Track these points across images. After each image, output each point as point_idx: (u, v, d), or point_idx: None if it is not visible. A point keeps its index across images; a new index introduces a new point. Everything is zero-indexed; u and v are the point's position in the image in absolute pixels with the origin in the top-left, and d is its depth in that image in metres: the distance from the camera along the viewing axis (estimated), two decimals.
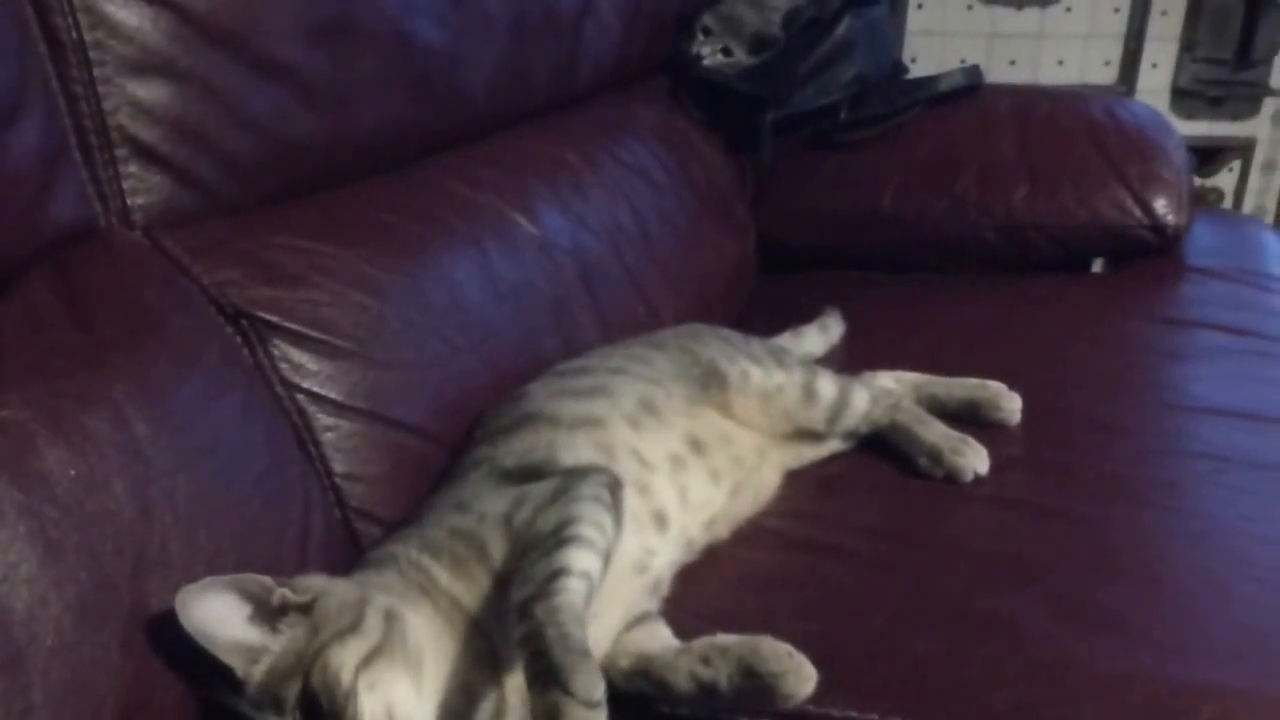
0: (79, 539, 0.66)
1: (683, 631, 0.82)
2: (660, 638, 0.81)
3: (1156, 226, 1.53)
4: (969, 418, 1.10)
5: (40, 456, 0.65)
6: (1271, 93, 2.74)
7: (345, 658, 0.66)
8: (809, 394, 1.03)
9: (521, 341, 1.09)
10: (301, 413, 0.86)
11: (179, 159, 0.86)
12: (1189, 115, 2.76)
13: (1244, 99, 2.76)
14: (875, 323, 1.42)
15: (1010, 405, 1.10)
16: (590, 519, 0.74)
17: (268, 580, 0.69)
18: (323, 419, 0.87)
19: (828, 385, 1.05)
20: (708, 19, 1.63)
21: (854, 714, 0.75)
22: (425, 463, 0.94)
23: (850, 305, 1.44)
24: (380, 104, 1.04)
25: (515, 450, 0.88)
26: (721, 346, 1.05)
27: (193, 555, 0.71)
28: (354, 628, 0.68)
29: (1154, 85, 2.74)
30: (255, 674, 0.67)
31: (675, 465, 0.93)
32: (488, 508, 0.79)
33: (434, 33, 1.10)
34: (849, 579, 0.91)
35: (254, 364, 0.85)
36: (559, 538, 0.72)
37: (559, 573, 0.68)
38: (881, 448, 1.08)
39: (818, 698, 0.74)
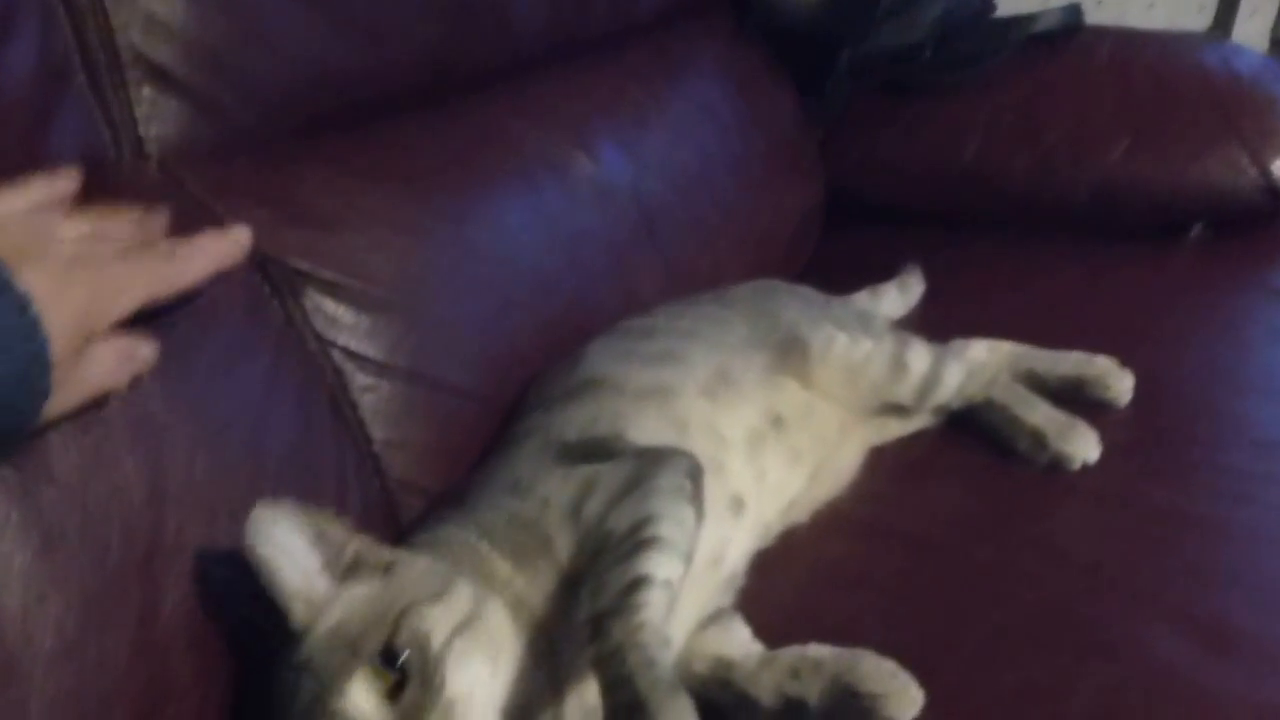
0: (81, 525, 0.57)
1: (762, 630, 0.73)
2: (739, 640, 0.71)
3: (1273, 189, 1.39)
4: (1071, 396, 0.99)
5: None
6: None
7: (436, 623, 0.59)
8: (898, 365, 0.92)
9: (578, 293, 0.99)
10: (337, 372, 0.76)
11: (198, 83, 0.76)
12: None
13: None
14: (953, 286, 1.30)
15: (1120, 385, 0.98)
16: (671, 516, 0.65)
17: (343, 530, 0.62)
18: (361, 379, 0.77)
19: (919, 356, 0.94)
20: None
21: None
22: (473, 428, 0.84)
23: (924, 266, 1.32)
24: (422, 29, 0.93)
25: (575, 421, 0.78)
26: (803, 308, 0.95)
27: (212, 541, 0.62)
28: (442, 596, 0.61)
29: (1250, 34, 2.55)
30: (320, 626, 0.59)
31: (753, 443, 0.83)
32: (552, 494, 0.70)
33: None
34: (939, 581, 0.81)
35: (284, 318, 0.75)
36: (637, 539, 0.63)
37: (639, 583, 0.59)
38: (972, 425, 0.97)
39: None
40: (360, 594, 0.60)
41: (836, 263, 1.45)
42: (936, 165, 1.51)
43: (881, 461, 0.94)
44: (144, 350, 0.59)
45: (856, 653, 0.66)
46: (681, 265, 1.14)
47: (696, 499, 0.69)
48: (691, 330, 0.90)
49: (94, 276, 0.55)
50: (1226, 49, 1.58)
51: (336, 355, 0.76)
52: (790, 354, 0.90)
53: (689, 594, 0.69)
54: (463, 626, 0.60)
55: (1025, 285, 1.32)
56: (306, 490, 0.69)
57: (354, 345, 0.77)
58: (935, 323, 1.18)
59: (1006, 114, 1.49)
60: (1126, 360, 1.02)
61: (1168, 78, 1.48)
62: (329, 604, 0.60)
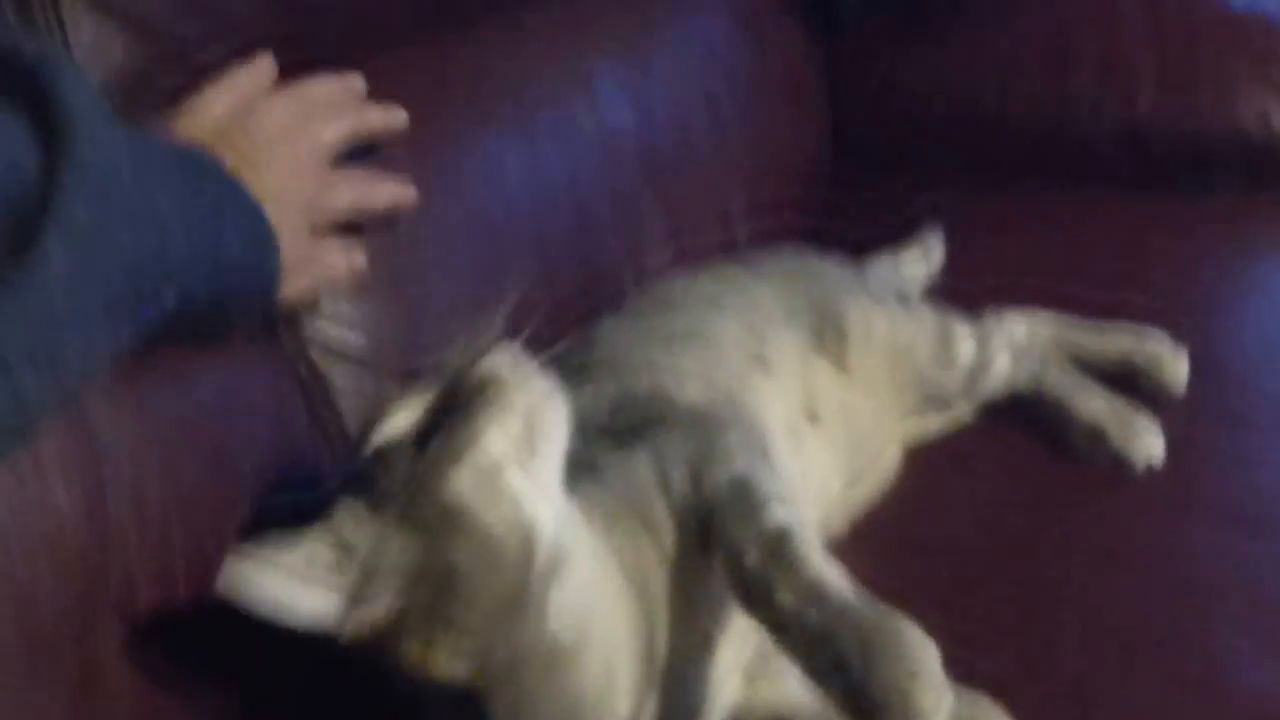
0: (6, 564, 0.46)
1: None
2: (793, 690, 0.62)
3: None
4: (1121, 377, 0.90)
5: None
6: None
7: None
8: (945, 351, 0.83)
9: (582, 251, 0.88)
10: (315, 370, 0.65)
11: (146, 9, 0.63)
12: None
13: None
14: (974, 244, 1.19)
15: (1176, 367, 0.89)
16: (759, 471, 0.59)
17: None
18: (343, 377, 0.66)
19: (965, 340, 0.84)
20: None
21: None
22: None
23: (941, 219, 1.22)
24: None
25: (600, 403, 0.68)
26: (837, 283, 0.84)
27: (165, 579, 0.51)
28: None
29: None
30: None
31: (791, 439, 0.73)
32: (629, 474, 0.61)
33: None
34: (1004, 598, 0.72)
35: None
36: (747, 503, 0.56)
37: (779, 539, 0.53)
38: (1016, 414, 0.88)
39: None
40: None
41: (847, 215, 1.34)
42: (952, 106, 1.39)
43: (922, 458, 0.85)
44: (358, 254, 0.66)
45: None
46: (688, 216, 1.03)
47: (771, 462, 0.63)
48: (715, 299, 0.79)
49: (312, 179, 0.63)
50: None
51: (314, 351, 0.64)
52: (825, 335, 0.79)
53: (734, 627, 0.61)
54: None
55: (1053, 243, 1.21)
56: (282, 515, 0.59)
57: (334, 337, 0.65)
58: (959, 288, 1.08)
59: (1028, 50, 1.38)
60: (1180, 335, 0.93)
61: (1197, 17, 1.37)
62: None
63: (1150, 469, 0.80)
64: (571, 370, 0.72)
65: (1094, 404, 0.83)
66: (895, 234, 1.18)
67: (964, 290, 1.07)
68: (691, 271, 0.86)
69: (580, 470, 0.63)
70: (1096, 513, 0.80)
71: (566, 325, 0.82)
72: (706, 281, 0.83)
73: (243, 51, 0.68)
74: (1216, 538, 0.76)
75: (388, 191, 0.70)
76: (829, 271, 0.84)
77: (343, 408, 0.65)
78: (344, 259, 0.65)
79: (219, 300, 0.53)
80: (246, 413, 0.59)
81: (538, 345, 0.64)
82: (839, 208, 1.34)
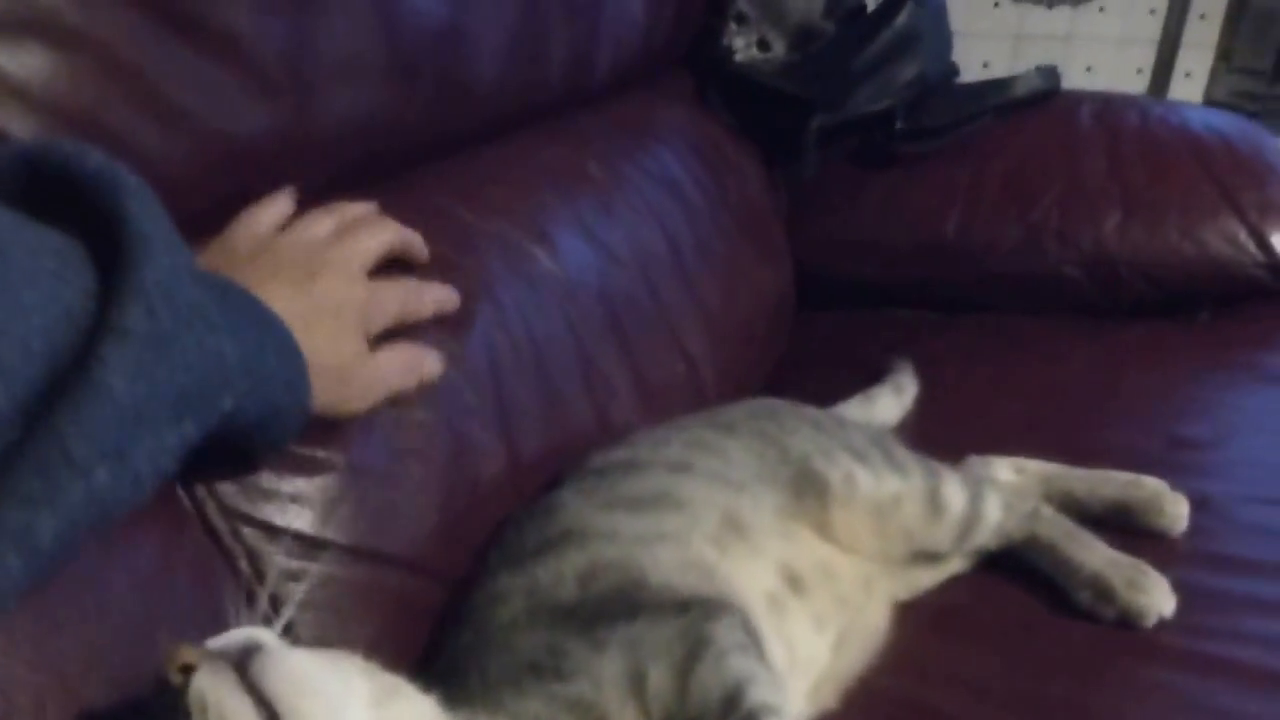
0: None
1: None
2: None
3: (1274, 265, 1.29)
4: (1117, 523, 0.86)
5: None
6: None
7: None
8: (933, 504, 0.77)
9: (547, 415, 0.82)
10: (252, 557, 0.58)
11: None
12: None
13: (1278, 114, 2.60)
14: (944, 379, 1.16)
15: (1175, 510, 0.85)
16: (758, 678, 0.54)
17: None
18: (283, 563, 0.59)
19: (955, 491, 0.79)
20: (743, 4, 1.36)
21: None
22: (425, 609, 0.66)
23: (908, 350, 1.19)
24: (356, 93, 0.76)
25: (566, 578, 0.63)
26: (812, 436, 0.79)
27: None
28: None
29: (1186, 95, 2.56)
30: None
31: (773, 610, 0.67)
32: (597, 669, 0.55)
33: (425, 2, 0.83)
34: None
35: (174, 487, 0.57)
36: (741, 714, 0.51)
37: None
38: (1009, 564, 0.83)
39: None
40: None
41: (814, 352, 1.31)
42: (916, 241, 1.38)
43: (911, 616, 0.79)
44: (430, 361, 0.67)
45: None
46: (654, 368, 0.98)
47: (764, 657, 0.57)
48: (683, 461, 0.74)
49: (362, 286, 0.63)
50: (1211, 113, 1.50)
51: (249, 535, 0.58)
52: (804, 493, 0.74)
53: None
54: None
55: (1025, 377, 1.19)
56: None
57: (275, 517, 0.59)
58: (933, 428, 1.05)
59: (990, 184, 1.38)
60: (1169, 472, 0.90)
61: (1158, 144, 1.38)
62: None
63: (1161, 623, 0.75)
64: (531, 546, 0.66)
65: (1095, 556, 0.78)
66: (863, 368, 1.16)
67: (937, 428, 1.04)
68: (656, 429, 0.81)
69: (542, 659, 0.57)
70: (1103, 673, 0.74)
71: (531, 487, 0.77)
72: (674, 441, 0.77)
73: (172, 198, 0.64)
74: (1237, 702, 0.70)
75: (432, 296, 0.70)
76: (802, 424, 0.79)
77: (282, 594, 0.58)
78: (409, 369, 0.65)
79: (265, 413, 0.52)
80: (167, 609, 0.51)
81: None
82: (805, 347, 1.31)
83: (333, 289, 0.60)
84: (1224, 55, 2.53)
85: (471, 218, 0.85)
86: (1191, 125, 1.39)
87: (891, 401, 1.08)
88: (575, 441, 0.81)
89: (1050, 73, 1.43)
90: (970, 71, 2.50)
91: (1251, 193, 1.30)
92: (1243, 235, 1.29)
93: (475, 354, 0.75)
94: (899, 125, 1.39)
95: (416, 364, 0.66)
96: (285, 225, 0.64)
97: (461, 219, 0.83)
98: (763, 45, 1.39)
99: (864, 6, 1.46)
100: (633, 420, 0.91)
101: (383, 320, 0.64)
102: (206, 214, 0.65)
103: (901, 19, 1.34)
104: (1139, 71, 2.54)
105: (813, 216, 1.43)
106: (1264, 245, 1.29)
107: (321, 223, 0.65)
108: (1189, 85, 2.56)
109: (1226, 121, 1.44)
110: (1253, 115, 2.56)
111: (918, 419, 1.09)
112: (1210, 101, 2.59)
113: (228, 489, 0.57)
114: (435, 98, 0.87)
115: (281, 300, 0.54)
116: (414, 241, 0.71)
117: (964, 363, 1.23)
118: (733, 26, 1.39)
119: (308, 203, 0.73)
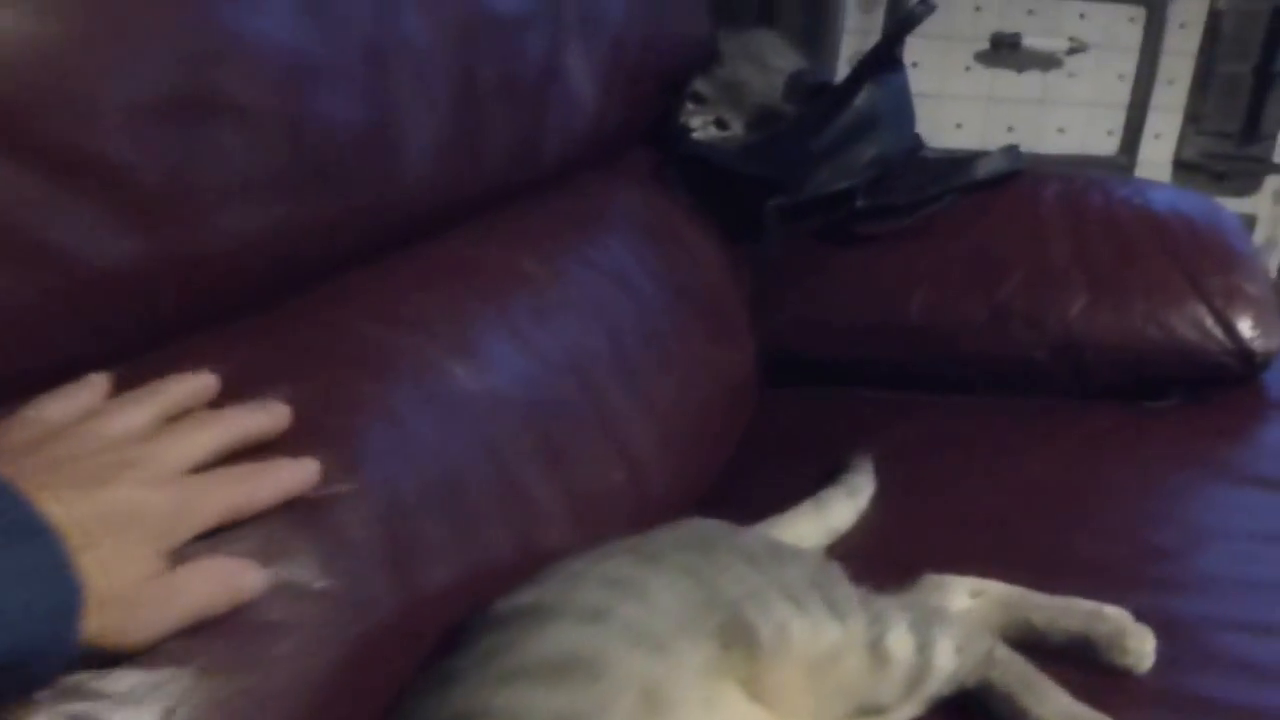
0: None
1: None
2: None
3: (1241, 352, 1.25)
4: (1078, 656, 0.80)
5: None
6: (1276, 169, 2.58)
7: None
8: (877, 655, 0.71)
9: (459, 550, 0.75)
10: None
11: None
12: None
13: (1247, 175, 2.61)
14: (906, 468, 1.11)
15: (1140, 647, 0.79)
16: None
17: None
18: None
19: (901, 639, 0.72)
20: (700, 84, 1.32)
21: None
22: None
23: (871, 438, 1.15)
24: (253, 209, 0.71)
25: None
26: (745, 574, 0.71)
27: None
28: None
29: (1156, 157, 2.56)
30: None
31: None
32: None
33: (341, 108, 0.78)
34: None
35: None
36: None
37: None
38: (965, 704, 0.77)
39: None
40: None
41: (775, 436, 1.26)
42: (879, 322, 1.34)
43: None
44: (249, 577, 0.56)
45: None
46: (588, 484, 0.91)
47: None
48: (598, 608, 0.65)
49: (172, 492, 0.54)
50: (1174, 193, 1.49)
51: None
52: (733, 646, 0.67)
53: None
54: None
55: (991, 467, 1.14)
56: None
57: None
58: (891, 532, 1.00)
59: (955, 264, 1.34)
60: (1136, 585, 0.88)
61: (1122, 225, 1.35)
62: None
63: None
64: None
65: (1052, 709, 0.72)
66: (825, 455, 1.11)
67: (899, 533, 1.00)
68: (574, 560, 0.73)
69: None
70: None
71: (437, 631, 0.70)
72: (590, 578, 0.69)
73: (34, 350, 0.59)
74: None
75: (278, 481, 0.59)
76: (735, 561, 0.72)
77: None
78: (220, 588, 0.54)
79: (14, 646, 0.43)
80: None
81: None
82: (764, 432, 1.26)
83: (128, 495, 0.51)
84: (1193, 118, 2.54)
85: (384, 334, 0.79)
86: (1154, 207, 1.36)
87: (846, 505, 1.02)
88: (494, 574, 0.75)
89: (1013, 153, 1.40)
90: (943, 132, 2.49)
91: (1216, 278, 1.27)
92: (1209, 321, 1.25)
93: (371, 493, 0.69)
94: (860, 204, 1.35)
95: (229, 582, 0.55)
96: (95, 413, 0.56)
97: (369, 336, 0.78)
98: (720, 124, 1.35)
99: (825, 85, 1.43)
100: (565, 541, 0.84)
101: (199, 526, 0.55)
102: (74, 363, 0.60)
103: (860, 101, 1.30)
104: (1110, 133, 2.53)
105: (778, 295, 1.38)
106: (1230, 331, 1.25)
107: (136, 412, 0.57)
108: (1159, 146, 2.56)
109: (1191, 202, 1.41)
110: (1220, 176, 2.57)
111: (877, 519, 1.04)
112: (1180, 162, 2.59)
113: (60, 684, 0.50)
114: (351, 205, 0.81)
115: (61, 505, 0.46)
116: (261, 425, 0.61)
117: (928, 453, 1.18)
118: (690, 106, 1.35)
119: (196, 344, 0.68)
